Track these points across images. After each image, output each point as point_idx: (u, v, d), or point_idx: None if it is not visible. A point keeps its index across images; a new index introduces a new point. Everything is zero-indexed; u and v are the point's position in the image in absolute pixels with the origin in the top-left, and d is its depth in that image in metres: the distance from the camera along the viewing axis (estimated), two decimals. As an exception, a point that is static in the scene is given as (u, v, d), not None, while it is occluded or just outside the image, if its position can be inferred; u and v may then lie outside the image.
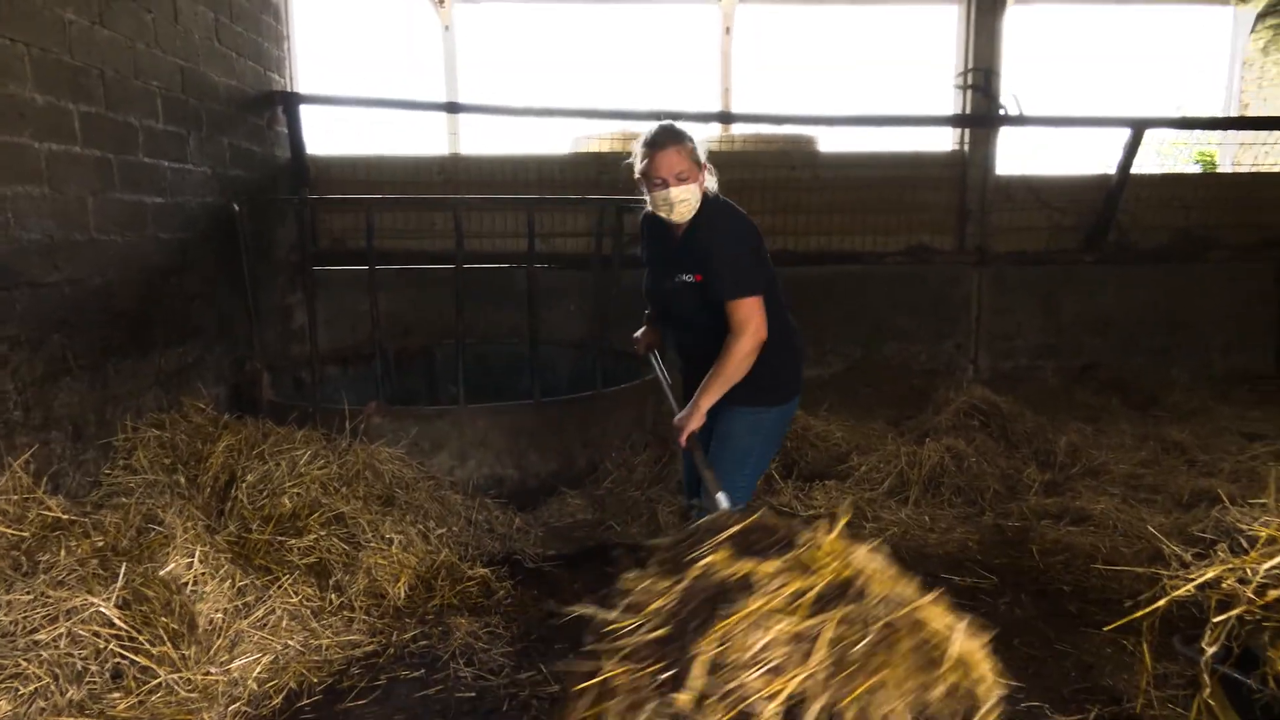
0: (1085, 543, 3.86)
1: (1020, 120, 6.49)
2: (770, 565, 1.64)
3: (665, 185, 2.60)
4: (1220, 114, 12.78)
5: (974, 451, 4.74)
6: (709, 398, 2.65)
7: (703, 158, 2.70)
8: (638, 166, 2.68)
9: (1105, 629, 2.44)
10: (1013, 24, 6.74)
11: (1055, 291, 6.93)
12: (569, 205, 6.42)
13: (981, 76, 6.54)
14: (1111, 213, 6.67)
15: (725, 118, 7.22)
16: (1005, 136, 6.86)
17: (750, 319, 2.60)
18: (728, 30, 12.38)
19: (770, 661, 1.47)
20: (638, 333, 3.33)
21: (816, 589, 1.59)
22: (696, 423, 2.69)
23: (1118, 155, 6.56)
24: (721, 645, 1.49)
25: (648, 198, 2.73)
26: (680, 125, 2.70)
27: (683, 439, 2.70)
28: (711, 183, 2.74)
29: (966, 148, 6.79)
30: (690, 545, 1.76)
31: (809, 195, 6.64)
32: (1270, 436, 5.30)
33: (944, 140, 7.08)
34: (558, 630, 3.21)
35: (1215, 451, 5.07)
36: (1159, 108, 14.45)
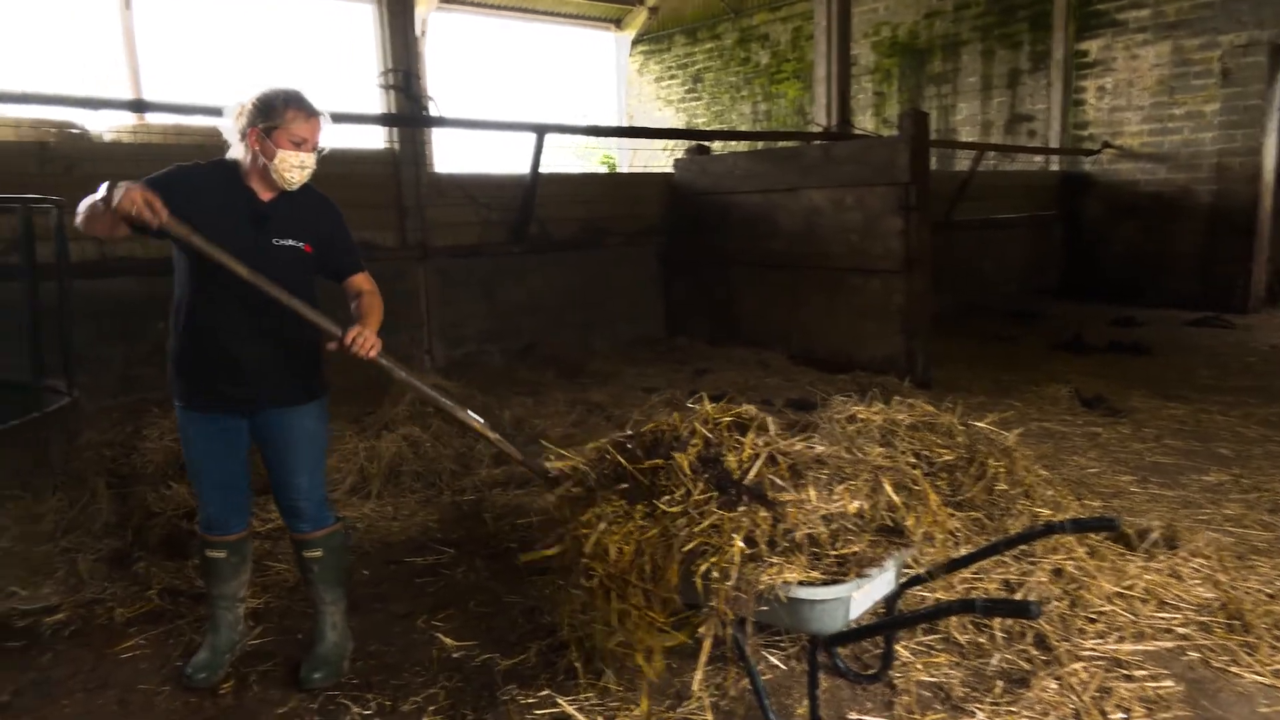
0: (529, 502, 4.34)
1: (440, 121, 6.91)
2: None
3: (309, 149, 2.61)
4: (613, 124, 15.21)
5: (430, 437, 4.98)
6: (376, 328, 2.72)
7: None
8: (263, 118, 2.56)
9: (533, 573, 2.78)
10: (435, 29, 7.15)
11: (493, 280, 7.58)
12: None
13: (402, 77, 6.80)
14: (530, 208, 7.51)
15: (138, 106, 6.38)
16: (436, 136, 7.25)
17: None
18: (128, 4, 10.91)
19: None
20: (124, 195, 2.31)
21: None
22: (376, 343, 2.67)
23: (530, 157, 7.40)
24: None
25: (272, 154, 2.57)
26: None
27: (376, 350, 2.63)
28: None
29: (397, 146, 7.01)
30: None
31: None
32: (662, 388, 6.53)
33: (376, 139, 7.21)
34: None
35: (625, 406, 6.07)
36: (567, 115, 16.59)
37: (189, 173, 2.64)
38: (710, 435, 2.72)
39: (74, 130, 5.96)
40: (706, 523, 2.37)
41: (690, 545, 2.27)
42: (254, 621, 3.23)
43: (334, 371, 6.50)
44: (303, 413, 2.78)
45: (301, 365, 2.77)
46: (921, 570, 2.63)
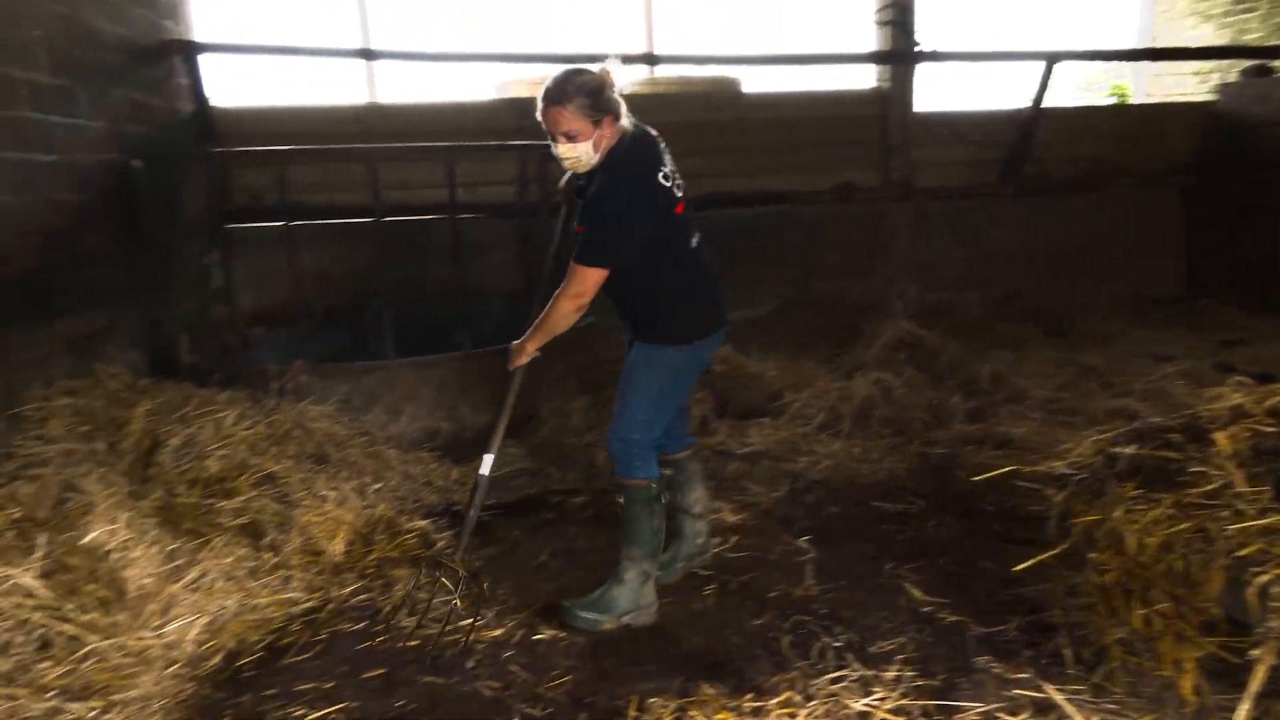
0: (1007, 465, 4.01)
1: (936, 56, 6.55)
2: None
3: (554, 141, 2.65)
4: (1132, 46, 13.07)
5: (902, 384, 4.87)
6: (533, 341, 2.85)
7: (610, 105, 2.62)
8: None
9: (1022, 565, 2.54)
10: (930, -43, 6.76)
11: (977, 224, 7.09)
12: (490, 152, 6.28)
13: (898, 12, 6.56)
14: (1027, 146, 6.82)
15: (649, 60, 7.11)
16: (924, 72, 6.92)
17: (578, 283, 2.67)
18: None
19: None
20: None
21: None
22: (519, 360, 2.88)
23: (1033, 89, 6.69)
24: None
25: None
26: (579, 77, 2.61)
27: (511, 365, 2.91)
28: (626, 122, 2.71)
29: (887, 85, 6.83)
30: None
31: (734, 137, 6.62)
32: (1179, 357, 5.56)
33: (866, 77, 7.11)
34: (495, 578, 3.23)
35: (1128, 373, 5.30)
36: (1073, 41, 14.70)
37: None
38: (1267, 423, 2.22)
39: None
40: (1262, 523, 1.94)
41: (1248, 550, 1.87)
42: (737, 534, 3.50)
43: (795, 320, 6.48)
44: (633, 348, 2.93)
45: (636, 313, 2.89)
46: None
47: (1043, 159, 7.04)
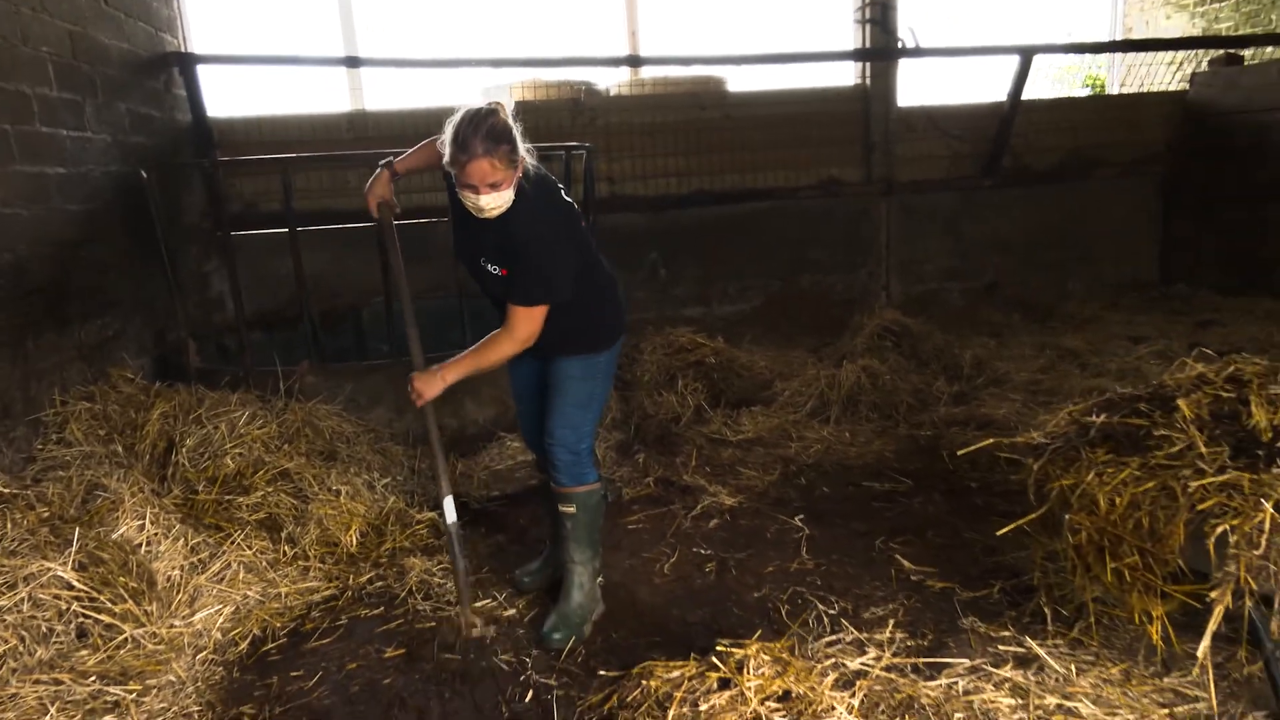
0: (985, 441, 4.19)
1: (917, 52, 6.73)
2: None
3: (475, 191, 2.45)
4: (1106, 38, 13.30)
5: (888, 370, 5.04)
6: (455, 373, 2.67)
7: (521, 148, 2.47)
8: (445, 154, 2.45)
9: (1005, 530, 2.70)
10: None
11: (958, 216, 7.28)
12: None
13: (878, 10, 6.74)
14: (1005, 138, 7.01)
15: (634, 61, 7.26)
16: (905, 68, 7.10)
17: (523, 326, 2.58)
18: (631, -29, 12.25)
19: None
20: (369, 183, 2.98)
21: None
22: (434, 391, 2.68)
23: (1009, 83, 6.88)
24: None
25: (460, 189, 2.51)
26: (493, 122, 2.39)
27: (419, 402, 2.71)
28: (530, 160, 2.56)
29: (868, 81, 7.00)
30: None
31: (720, 135, 6.77)
32: (1153, 338, 5.77)
33: (847, 75, 7.28)
34: (506, 563, 3.38)
35: (1105, 355, 5.50)
36: (1049, 34, 14.89)
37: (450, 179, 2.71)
38: (1225, 389, 2.39)
39: (596, 87, 6.97)
40: (1220, 479, 2.12)
41: (1207, 504, 2.04)
42: (734, 516, 3.66)
43: (783, 312, 6.66)
44: (563, 363, 2.80)
45: (562, 330, 2.71)
46: None
47: (1021, 151, 7.25)
